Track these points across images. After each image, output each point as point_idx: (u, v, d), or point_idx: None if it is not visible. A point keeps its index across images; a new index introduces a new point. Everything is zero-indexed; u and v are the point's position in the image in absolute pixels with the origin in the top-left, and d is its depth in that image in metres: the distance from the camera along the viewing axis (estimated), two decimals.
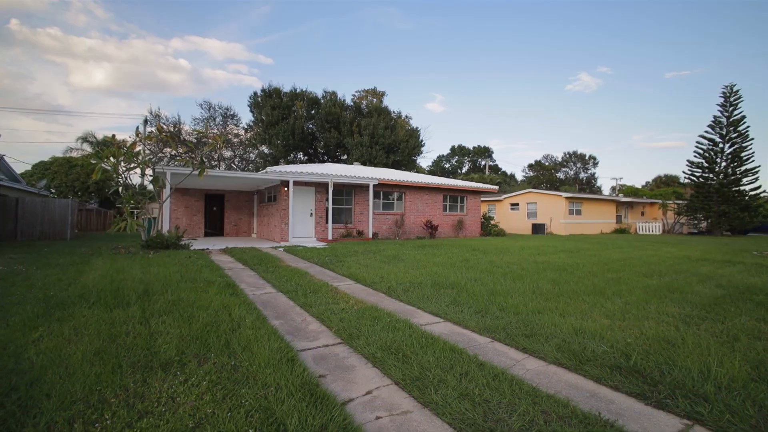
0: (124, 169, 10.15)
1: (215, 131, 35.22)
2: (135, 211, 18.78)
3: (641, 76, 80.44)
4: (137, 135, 9.79)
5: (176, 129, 36.28)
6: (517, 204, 28.17)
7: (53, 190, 25.77)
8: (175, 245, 10.22)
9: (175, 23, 64.83)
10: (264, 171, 13.51)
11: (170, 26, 64.38)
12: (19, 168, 33.10)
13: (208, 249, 11.23)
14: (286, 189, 13.87)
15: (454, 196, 19.57)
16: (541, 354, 3.65)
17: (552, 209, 25.48)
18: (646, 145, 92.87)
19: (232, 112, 36.79)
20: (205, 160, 35.79)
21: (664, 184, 56.03)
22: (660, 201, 30.44)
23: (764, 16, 59.49)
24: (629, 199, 29.60)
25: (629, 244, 15.73)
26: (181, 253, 9.62)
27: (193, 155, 10.75)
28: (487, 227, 20.68)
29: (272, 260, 8.96)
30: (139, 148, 12.11)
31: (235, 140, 36.73)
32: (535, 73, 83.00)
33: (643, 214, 31.91)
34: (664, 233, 28.01)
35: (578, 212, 26.01)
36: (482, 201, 28.72)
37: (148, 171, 11.30)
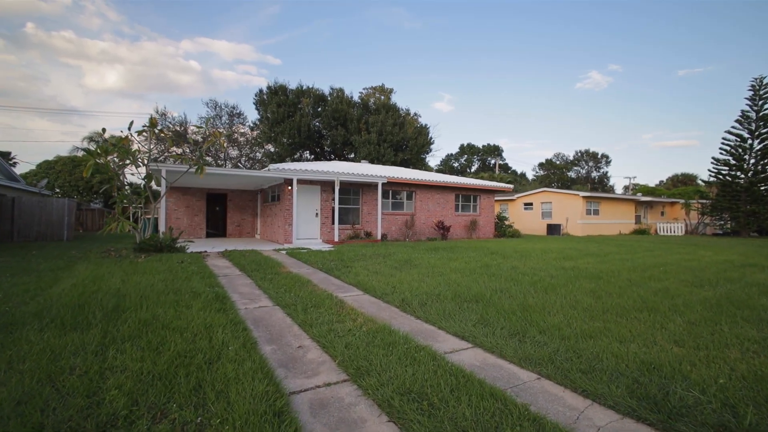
0: (119, 165, 9.46)
1: (221, 130, 34.72)
2: (139, 211, 18.22)
3: (653, 75, 78.62)
4: (129, 129, 9.08)
5: (182, 129, 35.88)
6: (531, 203, 27.09)
7: (58, 190, 25.42)
8: (169, 248, 9.50)
9: (186, 25, 65.03)
10: (266, 169, 12.75)
11: (180, 28, 64.61)
12: (24, 168, 32.98)
13: (205, 252, 10.49)
14: (289, 188, 13.09)
15: (467, 196, 18.62)
16: (608, 400, 2.76)
17: (568, 209, 24.36)
18: (657, 144, 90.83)
19: (238, 111, 36.23)
20: (209, 158, 35.43)
21: (681, 183, 54.32)
22: (682, 200, 29.07)
23: None
24: (649, 198, 28.31)
25: (657, 246, 14.64)
26: (175, 256, 8.88)
27: (198, 154, 9.99)
28: (502, 228, 19.69)
29: (272, 265, 8.16)
30: (136, 146, 11.45)
31: (242, 139, 36.20)
32: (544, 72, 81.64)
33: (662, 214, 30.56)
34: (687, 234, 26.68)
35: (596, 212, 24.86)
36: (495, 200, 27.70)
37: (143, 170, 10.60)
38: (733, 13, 64.55)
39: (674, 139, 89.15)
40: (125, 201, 10.00)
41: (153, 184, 12.76)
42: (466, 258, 9.69)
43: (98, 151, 9.48)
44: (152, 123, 9.32)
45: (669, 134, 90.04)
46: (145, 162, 9.95)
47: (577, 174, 75.45)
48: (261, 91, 31.54)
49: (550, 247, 13.00)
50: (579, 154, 76.01)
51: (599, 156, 74.64)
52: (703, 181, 27.01)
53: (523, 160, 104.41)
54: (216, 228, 17.76)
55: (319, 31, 70.50)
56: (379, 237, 14.67)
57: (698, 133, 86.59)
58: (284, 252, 10.76)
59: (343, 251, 10.67)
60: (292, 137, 29.39)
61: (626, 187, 56.43)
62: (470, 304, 5.22)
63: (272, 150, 32.05)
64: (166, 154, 28.48)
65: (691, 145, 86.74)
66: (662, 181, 63.76)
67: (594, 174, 74.69)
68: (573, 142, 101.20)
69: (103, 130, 8.92)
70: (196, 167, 9.63)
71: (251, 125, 35.19)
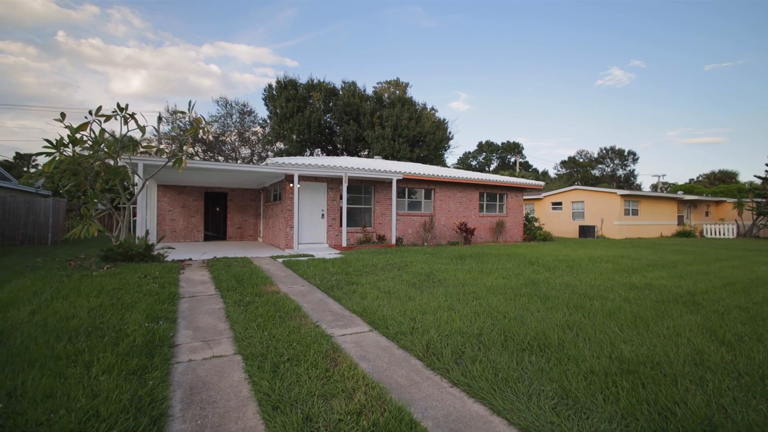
0: (85, 158, 7.99)
1: (233, 125, 33.68)
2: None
3: (677, 70, 74.28)
4: (94, 114, 7.55)
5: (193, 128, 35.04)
6: (560, 203, 24.77)
7: (61, 191, 24.60)
8: (142, 256, 7.94)
9: (206, 30, 65.57)
10: (264, 163, 11.13)
11: (202, 33, 65.17)
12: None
13: (188, 260, 8.92)
14: (291, 185, 11.43)
15: (492, 194, 16.62)
16: None
17: (604, 209, 21.99)
18: (683, 141, 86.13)
19: (249, 109, 35.12)
20: (221, 157, 34.44)
21: (719, 181, 50.61)
22: (734, 199, 26.19)
23: None
24: (693, 197, 25.58)
25: (728, 254, 12.33)
26: (145, 267, 7.30)
27: (177, 144, 8.43)
28: (531, 230, 17.60)
29: (258, 281, 6.48)
30: (141, 135, 9.95)
31: (253, 138, 35.17)
32: (563, 69, 78.30)
33: (707, 214, 27.70)
34: (740, 237, 23.86)
35: (635, 212, 22.40)
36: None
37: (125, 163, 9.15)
38: (761, 5, 60.13)
39: (701, 136, 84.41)
40: (96, 200, 8.54)
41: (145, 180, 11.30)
42: (501, 270, 7.79)
43: (63, 141, 8.02)
44: (119, 107, 7.78)
45: (696, 131, 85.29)
46: (120, 154, 8.45)
47: (602, 172, 72.18)
48: (270, 86, 30.18)
49: (596, 255, 10.93)
50: (604, 152, 72.63)
51: (626, 153, 71.11)
52: (759, 177, 24.09)
53: (544, 158, 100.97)
54: (216, 230, 16.31)
55: (335, 33, 69.66)
56: (393, 241, 12.88)
57: (726, 130, 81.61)
58: (281, 260, 9.09)
59: (350, 260, 8.93)
60: (301, 133, 27.88)
61: (654, 186, 52.96)
62: (533, 356, 3.37)
63: (282, 147, 30.68)
64: (180, 153, 27.13)
65: (719, 142, 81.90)
66: (693, 179, 59.84)
67: (620, 172, 71.22)
68: (595, 140, 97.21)
69: (62, 115, 7.43)
70: (174, 160, 8.08)
71: (261, 122, 34.03)
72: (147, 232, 8.69)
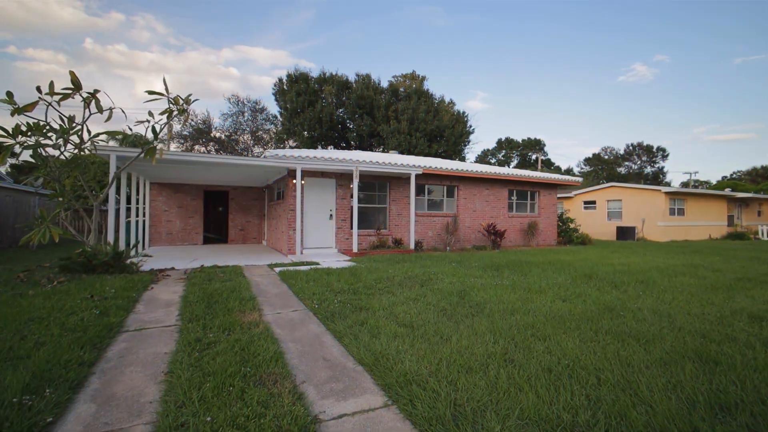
0: (41, 145, 6.66)
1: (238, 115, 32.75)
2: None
3: (704, 65, 69.80)
4: (40, 92, 6.18)
5: (205, 125, 34.25)
6: (594, 201, 22.60)
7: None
8: (107, 266, 6.54)
9: (226, 34, 66.18)
10: (263, 155, 9.65)
11: (221, 38, 65.90)
12: None
13: (168, 270, 7.50)
14: (294, 181, 9.93)
15: (523, 192, 14.75)
16: None
17: (645, 208, 19.76)
18: (711, 137, 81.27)
19: (261, 106, 34.15)
20: (225, 153, 33.56)
21: (762, 177, 46.99)
22: None
23: None
24: (745, 194, 22.99)
25: None
26: (105, 281, 5.89)
27: (152, 133, 7.02)
28: (567, 232, 15.63)
29: (237, 304, 4.95)
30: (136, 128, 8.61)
31: (266, 137, 34.25)
32: (581, 65, 74.90)
33: (759, 213, 24.98)
34: None
35: (680, 212, 20.07)
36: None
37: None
38: None
39: (730, 132, 79.48)
40: (62, 198, 7.24)
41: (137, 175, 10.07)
42: (553, 287, 6.04)
43: (21, 128, 6.70)
44: (74, 80, 6.38)
45: (724, 127, 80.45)
46: (84, 142, 7.10)
47: (629, 170, 68.66)
48: (280, 80, 28.93)
49: (659, 263, 9.00)
50: (630, 148, 69.00)
51: (654, 150, 67.29)
52: None
53: (566, 155, 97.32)
54: (219, 232, 15.00)
55: (350, 34, 68.78)
56: (412, 246, 11.22)
57: (757, 125, 76.51)
58: (278, 270, 7.58)
59: (361, 271, 7.33)
60: (312, 129, 26.47)
61: (686, 183, 49.64)
62: None
63: (293, 145, 29.43)
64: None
65: (749, 138, 76.89)
66: (726, 177, 56.01)
67: (648, 169, 67.51)
68: (618, 138, 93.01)
69: (9, 95, 6.10)
70: (147, 150, 6.68)
71: (272, 119, 32.98)
72: (116, 238, 7.33)
